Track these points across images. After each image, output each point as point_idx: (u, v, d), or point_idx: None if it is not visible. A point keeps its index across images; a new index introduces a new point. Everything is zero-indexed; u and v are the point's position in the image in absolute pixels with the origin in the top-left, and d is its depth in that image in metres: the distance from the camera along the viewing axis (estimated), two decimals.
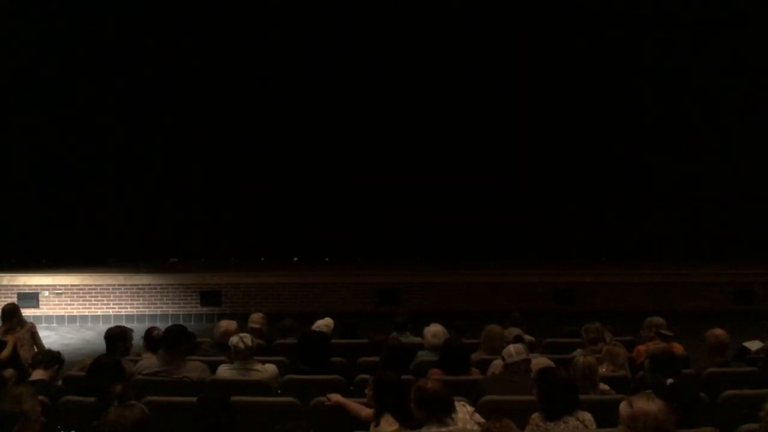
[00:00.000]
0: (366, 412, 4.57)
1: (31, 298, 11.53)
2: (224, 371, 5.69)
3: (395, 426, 4.22)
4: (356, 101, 13.40)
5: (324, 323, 7.29)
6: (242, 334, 5.85)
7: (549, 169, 13.72)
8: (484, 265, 13.12)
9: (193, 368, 5.55)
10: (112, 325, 7.28)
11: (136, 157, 13.13)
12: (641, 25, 13.41)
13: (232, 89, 13.37)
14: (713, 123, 13.46)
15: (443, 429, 3.91)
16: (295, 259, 14.09)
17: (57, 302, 11.68)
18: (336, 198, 13.43)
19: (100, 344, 6.77)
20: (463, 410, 4.27)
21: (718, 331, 6.15)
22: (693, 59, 13.26)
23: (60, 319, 11.63)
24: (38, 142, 12.71)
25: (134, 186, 13.16)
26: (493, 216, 13.31)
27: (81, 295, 11.74)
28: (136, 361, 6.00)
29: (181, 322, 8.56)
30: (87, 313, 11.70)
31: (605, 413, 4.16)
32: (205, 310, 11.87)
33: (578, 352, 6.33)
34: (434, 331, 6.46)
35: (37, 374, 5.45)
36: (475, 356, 6.26)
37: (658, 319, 7.06)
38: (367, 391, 4.63)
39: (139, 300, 11.82)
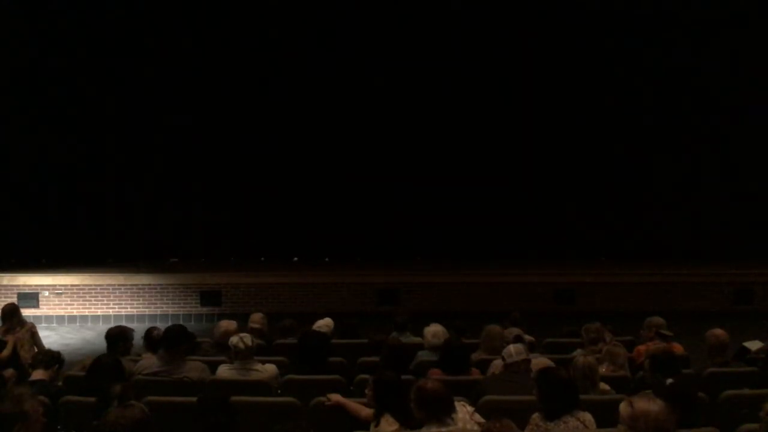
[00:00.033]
0: (366, 412, 4.57)
1: (31, 298, 11.53)
2: (224, 371, 5.69)
3: (395, 426, 4.22)
4: (356, 101, 13.40)
5: (324, 323, 7.29)
6: (242, 334, 5.86)
7: (549, 169, 13.72)
8: (484, 265, 13.11)
9: (193, 368, 5.56)
10: (112, 325, 7.29)
11: (136, 157, 13.12)
12: (641, 25, 13.41)
13: (232, 89, 13.36)
14: (713, 123, 13.45)
15: (443, 429, 3.91)
16: (295, 259, 14.08)
17: (57, 302, 11.68)
18: (336, 198, 13.42)
19: (100, 344, 6.78)
20: (463, 410, 4.27)
21: (718, 331, 6.15)
22: (693, 59, 13.25)
23: (60, 319, 11.64)
24: (38, 142, 12.71)
25: (134, 186, 13.15)
26: (493, 216, 13.30)
27: (81, 295, 11.74)
28: (136, 361, 6.00)
29: (181, 322, 8.55)
30: (87, 313, 11.70)
31: (605, 413, 4.16)
32: (205, 310, 11.87)
33: (578, 352, 6.34)
34: (434, 331, 6.46)
35: (37, 374, 5.45)
36: (475, 356, 6.27)
37: (658, 319, 7.07)
38: (367, 391, 4.63)
39: (139, 300, 11.82)
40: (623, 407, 3.57)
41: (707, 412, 4.63)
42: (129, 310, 11.76)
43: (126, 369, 5.37)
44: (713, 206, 13.31)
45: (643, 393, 3.73)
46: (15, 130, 12.67)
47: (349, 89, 13.36)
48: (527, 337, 6.82)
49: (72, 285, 11.75)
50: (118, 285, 11.83)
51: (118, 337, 6.19)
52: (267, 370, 5.73)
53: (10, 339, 7.17)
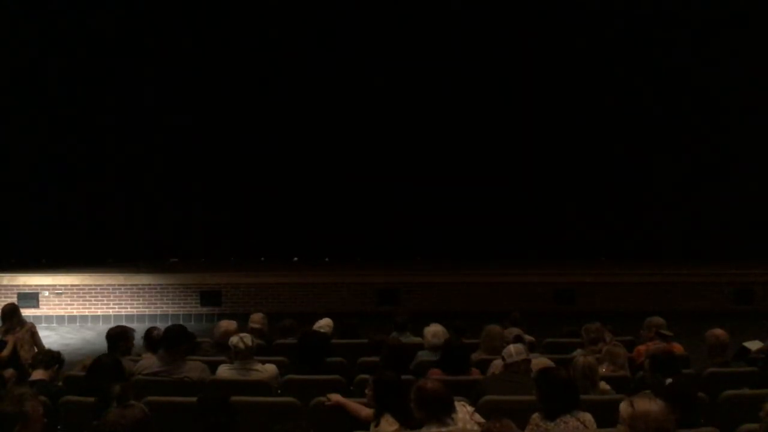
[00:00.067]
0: (366, 412, 4.57)
1: (31, 298, 11.53)
2: (224, 371, 5.69)
3: (395, 426, 4.22)
4: (356, 101, 13.40)
5: (324, 323, 7.29)
6: (242, 334, 5.86)
7: (549, 169, 13.72)
8: (484, 265, 13.11)
9: (193, 368, 5.55)
10: (112, 325, 7.28)
11: (136, 157, 13.12)
12: (641, 25, 13.42)
13: (232, 89, 13.37)
14: (713, 123, 13.45)
15: (443, 429, 3.91)
16: (295, 259, 14.09)
17: (57, 302, 11.68)
18: (336, 198, 13.43)
19: (100, 344, 6.78)
20: (463, 410, 4.27)
21: (718, 331, 6.15)
22: (693, 59, 13.26)
23: (60, 319, 11.63)
24: (38, 142, 12.71)
25: (134, 186, 13.16)
26: (493, 216, 13.30)
27: (81, 295, 11.74)
28: (136, 361, 6.00)
29: (181, 322, 8.55)
30: (87, 313, 11.70)
31: (605, 413, 4.16)
32: (205, 310, 11.87)
33: (578, 352, 6.33)
34: (434, 331, 6.46)
35: (37, 374, 5.45)
36: (475, 356, 6.26)
37: (658, 319, 7.06)
38: (367, 391, 4.63)
39: (139, 300, 11.82)
40: (623, 407, 3.57)
41: (707, 412, 4.63)
42: (129, 310, 11.76)
43: (126, 369, 5.37)
44: (713, 206, 13.29)
45: (643, 393, 3.73)
46: (15, 130, 12.67)
47: (349, 89, 13.37)
48: (527, 337, 6.81)
49: (72, 285, 11.75)
50: (118, 285, 11.83)
51: (119, 336, 6.19)
52: (267, 370, 5.73)
53: (10, 339, 7.17)
